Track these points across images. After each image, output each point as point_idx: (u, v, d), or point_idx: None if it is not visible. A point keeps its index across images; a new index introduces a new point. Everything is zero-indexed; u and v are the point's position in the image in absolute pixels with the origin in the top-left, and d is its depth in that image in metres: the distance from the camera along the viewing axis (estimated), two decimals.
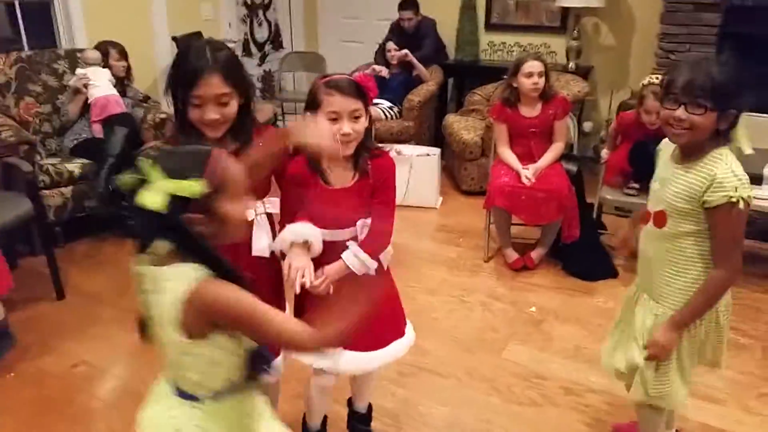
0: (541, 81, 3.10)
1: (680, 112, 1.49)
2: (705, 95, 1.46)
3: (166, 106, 4.40)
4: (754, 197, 3.14)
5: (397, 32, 5.03)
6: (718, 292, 1.62)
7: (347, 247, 1.66)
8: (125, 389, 2.43)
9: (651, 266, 1.70)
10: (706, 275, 1.61)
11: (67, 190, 3.47)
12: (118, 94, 3.76)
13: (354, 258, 1.65)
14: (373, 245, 1.67)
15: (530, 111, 3.19)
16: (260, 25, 5.80)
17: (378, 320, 1.69)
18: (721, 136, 1.53)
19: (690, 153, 1.57)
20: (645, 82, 3.05)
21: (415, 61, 4.81)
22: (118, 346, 2.65)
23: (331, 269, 1.64)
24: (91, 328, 2.77)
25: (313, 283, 1.60)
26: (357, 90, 1.62)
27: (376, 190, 1.69)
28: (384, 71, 4.81)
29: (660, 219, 1.64)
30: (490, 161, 3.56)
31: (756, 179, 3.10)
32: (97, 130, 3.67)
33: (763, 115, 3.19)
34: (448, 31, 5.25)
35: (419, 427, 2.20)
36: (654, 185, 1.71)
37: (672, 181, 1.60)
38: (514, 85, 3.16)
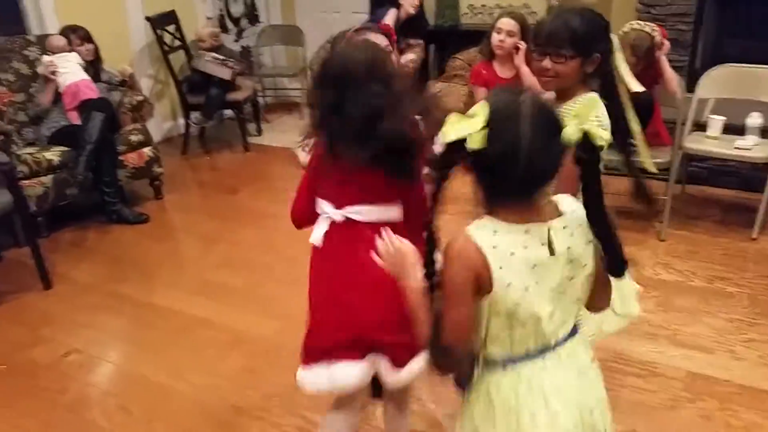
0: (509, 40, 3.03)
1: (546, 62, 1.58)
2: (565, 44, 1.55)
3: (144, 89, 4.34)
4: (736, 146, 3.11)
5: None
6: None
7: None
8: (118, 374, 2.43)
9: None
10: None
11: (47, 179, 3.41)
12: (88, 78, 3.68)
13: None
14: None
15: (506, 72, 3.13)
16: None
17: None
18: (590, 79, 1.61)
19: (561, 96, 1.64)
20: (623, 30, 3.02)
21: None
22: (107, 332, 2.63)
23: None
24: (80, 315, 2.74)
25: None
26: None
27: None
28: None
29: None
30: None
31: (739, 129, 3.11)
32: (74, 117, 3.59)
33: (746, 66, 3.18)
34: None
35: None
36: None
37: None
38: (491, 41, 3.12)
